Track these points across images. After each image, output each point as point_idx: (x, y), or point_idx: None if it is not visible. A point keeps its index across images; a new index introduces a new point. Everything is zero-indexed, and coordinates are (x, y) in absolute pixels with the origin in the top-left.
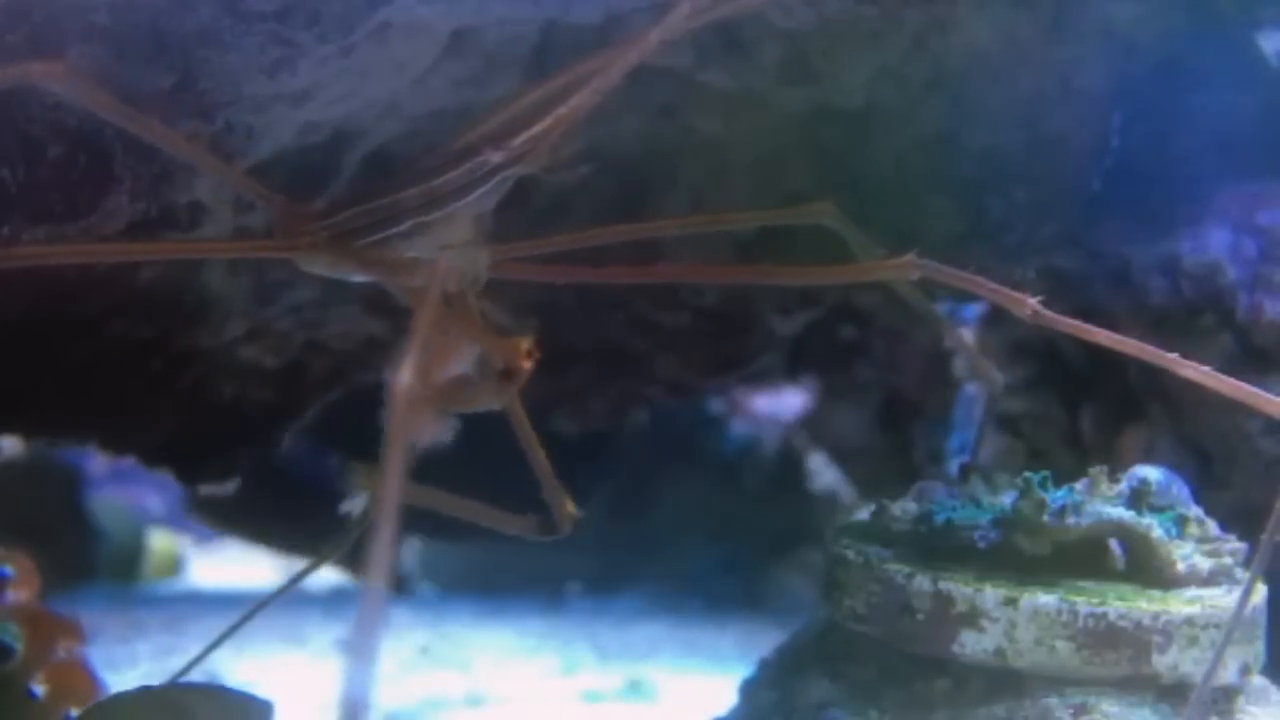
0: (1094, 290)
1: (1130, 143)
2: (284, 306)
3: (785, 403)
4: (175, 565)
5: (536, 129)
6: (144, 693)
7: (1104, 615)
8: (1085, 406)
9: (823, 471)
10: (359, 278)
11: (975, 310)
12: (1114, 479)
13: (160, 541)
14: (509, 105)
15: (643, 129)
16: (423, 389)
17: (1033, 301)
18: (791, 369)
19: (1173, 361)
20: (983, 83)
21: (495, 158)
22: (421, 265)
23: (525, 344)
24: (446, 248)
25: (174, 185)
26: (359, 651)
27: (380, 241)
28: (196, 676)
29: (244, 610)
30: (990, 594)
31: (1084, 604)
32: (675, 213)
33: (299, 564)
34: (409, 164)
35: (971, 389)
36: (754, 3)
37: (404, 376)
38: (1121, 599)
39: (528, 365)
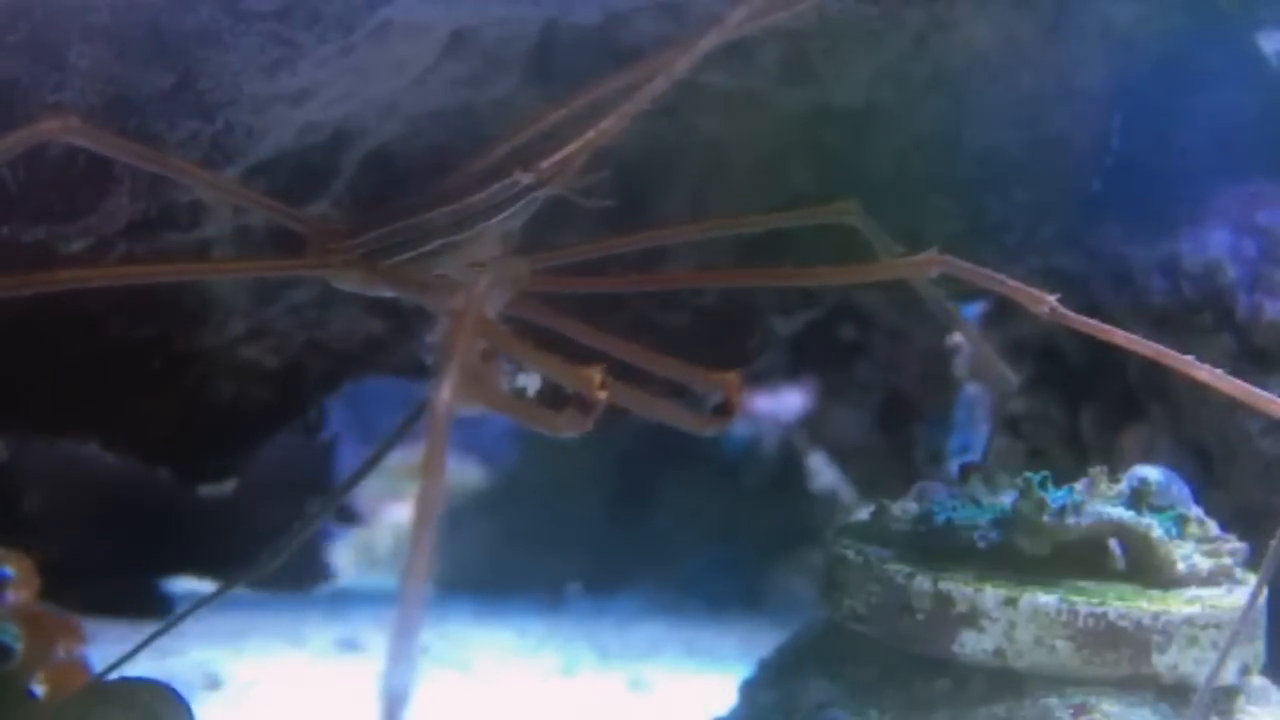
0: (1094, 290)
1: (1130, 143)
2: (284, 306)
3: (785, 403)
4: None
5: (566, 152)
6: (95, 690)
7: (1104, 615)
8: (1085, 406)
9: (823, 471)
10: (391, 294)
11: (974, 310)
12: (1114, 479)
13: None
14: (534, 123)
15: (643, 129)
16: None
17: (1051, 299)
18: (792, 369)
19: (1186, 363)
20: (983, 83)
21: (525, 179)
22: (457, 285)
23: (598, 375)
24: (475, 265)
25: (174, 185)
26: (399, 648)
27: (410, 260)
28: (195, 676)
29: (243, 611)
30: (990, 594)
31: (1084, 604)
32: (676, 213)
33: None
34: (437, 183)
35: (972, 389)
36: (773, 21)
37: (443, 394)
38: (1121, 599)
39: (602, 396)
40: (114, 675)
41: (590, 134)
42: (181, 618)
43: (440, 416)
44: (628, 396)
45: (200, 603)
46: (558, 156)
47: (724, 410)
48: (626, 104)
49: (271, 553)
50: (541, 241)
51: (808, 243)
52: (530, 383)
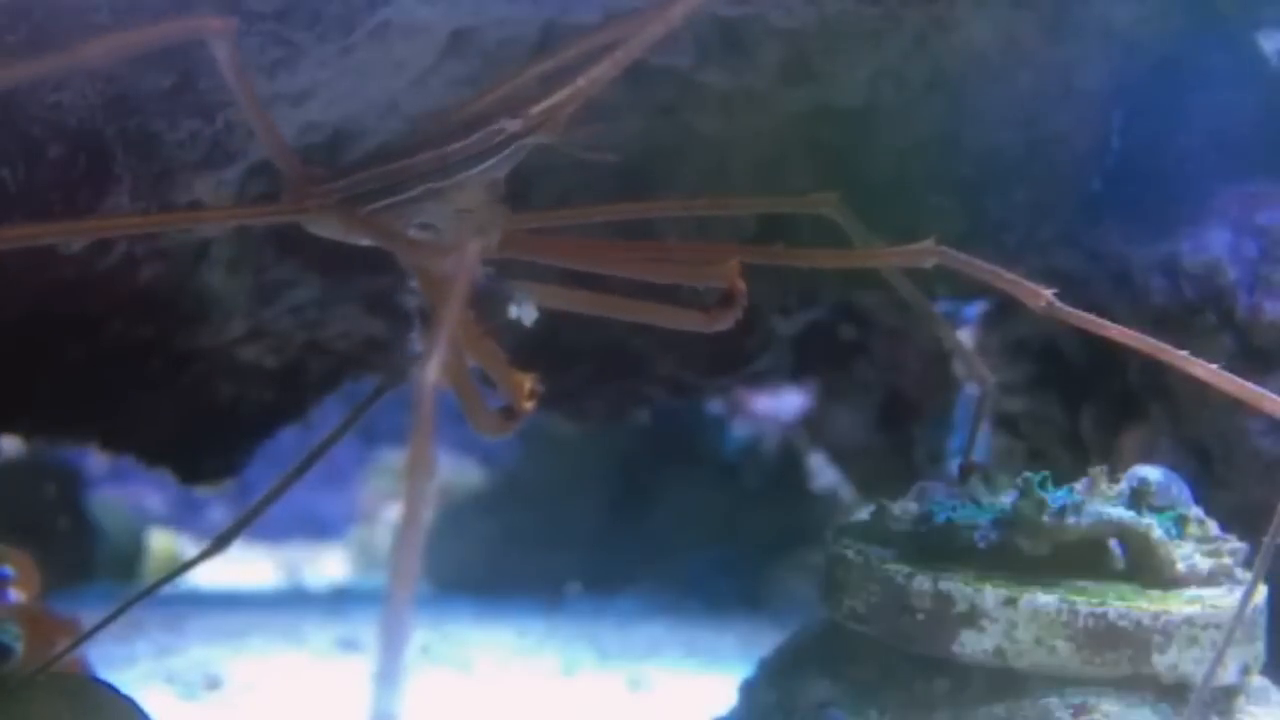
0: (1094, 290)
1: (1130, 143)
2: (284, 307)
3: (785, 403)
4: (174, 564)
5: (554, 99)
6: (37, 684)
7: (1104, 615)
8: (1085, 406)
9: (823, 471)
10: (369, 243)
11: (976, 309)
12: (1114, 479)
13: (160, 540)
14: (522, 74)
15: (643, 128)
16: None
17: (1047, 294)
18: (792, 369)
19: (1183, 359)
20: (983, 83)
21: (511, 126)
22: (441, 244)
23: (529, 383)
24: (462, 211)
25: (174, 185)
26: (386, 662)
27: (391, 206)
28: (195, 675)
29: (243, 611)
30: (990, 594)
31: (1084, 604)
32: (675, 214)
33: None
34: (422, 129)
35: (972, 389)
36: None
37: (429, 371)
38: (1121, 599)
39: (530, 406)
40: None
41: (581, 81)
42: (130, 604)
43: (427, 395)
44: (625, 306)
45: (153, 587)
46: (546, 104)
47: (727, 301)
48: (619, 51)
49: (231, 529)
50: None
51: (812, 242)
52: (527, 315)
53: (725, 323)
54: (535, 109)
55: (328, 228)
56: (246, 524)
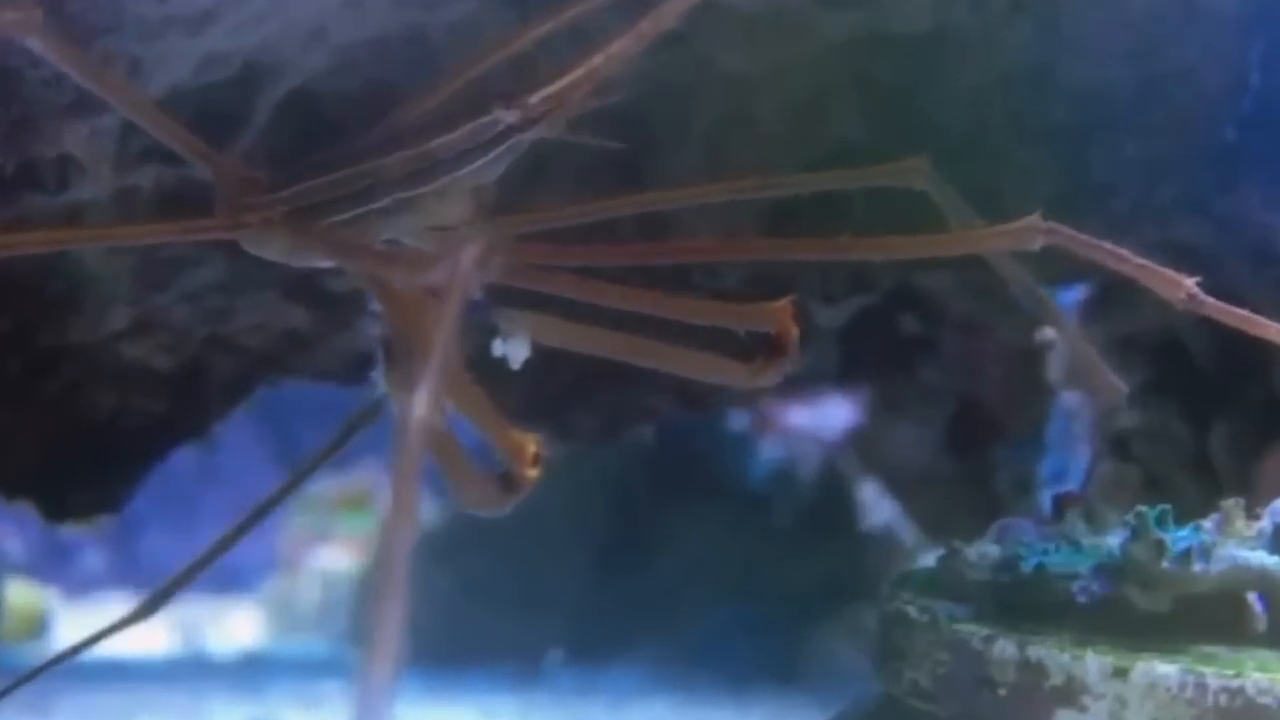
0: (1228, 270)
1: (1274, 81)
2: (180, 292)
3: (828, 416)
4: (39, 625)
5: (562, 83)
6: None
7: (1240, 690)
8: (1216, 422)
9: (877, 505)
10: (327, 264)
11: (1073, 297)
12: (1253, 515)
13: (19, 594)
14: (515, 43)
15: (646, 63)
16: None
17: (1189, 283)
18: (837, 372)
19: None
20: (1084, 2)
21: (508, 118)
22: (425, 256)
23: (532, 445)
24: (437, 229)
25: (38, 134)
26: None
27: (352, 221)
28: None
29: (128, 684)
30: (1093, 663)
31: (1214, 676)
32: (687, 172)
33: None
34: (390, 120)
35: (1070, 399)
36: None
37: (421, 398)
38: (1263, 669)
39: (533, 474)
40: None
41: (595, 60)
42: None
43: (414, 434)
44: (656, 353)
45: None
46: (552, 89)
47: (775, 350)
48: (643, 21)
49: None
50: (519, 201)
51: (858, 209)
52: (516, 354)
53: (773, 376)
54: (537, 95)
55: (271, 248)
56: (180, 587)
